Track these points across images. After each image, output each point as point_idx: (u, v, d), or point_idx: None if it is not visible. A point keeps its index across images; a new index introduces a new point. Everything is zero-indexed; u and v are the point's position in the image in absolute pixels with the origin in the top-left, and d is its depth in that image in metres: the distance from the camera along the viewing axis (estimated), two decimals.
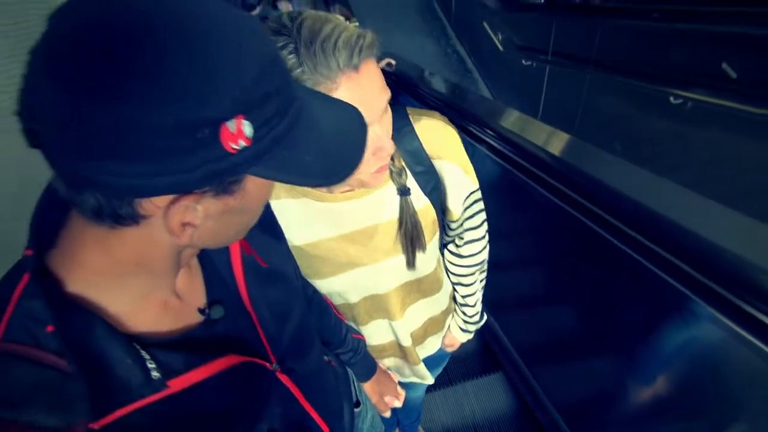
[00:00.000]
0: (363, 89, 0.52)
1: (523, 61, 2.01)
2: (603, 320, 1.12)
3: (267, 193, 0.37)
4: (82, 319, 0.34)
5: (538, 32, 1.66)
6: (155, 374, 0.36)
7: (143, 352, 0.36)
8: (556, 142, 1.10)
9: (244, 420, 0.44)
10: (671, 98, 0.82)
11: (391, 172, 0.68)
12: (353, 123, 0.39)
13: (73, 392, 0.32)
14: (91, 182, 0.28)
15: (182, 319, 0.42)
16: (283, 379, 0.50)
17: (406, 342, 0.85)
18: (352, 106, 0.41)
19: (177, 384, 0.37)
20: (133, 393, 0.35)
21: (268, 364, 0.47)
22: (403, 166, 0.70)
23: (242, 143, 0.29)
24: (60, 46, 0.26)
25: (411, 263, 0.74)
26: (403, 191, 0.69)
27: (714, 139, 0.82)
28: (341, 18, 0.54)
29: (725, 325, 0.71)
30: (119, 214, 0.30)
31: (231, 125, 0.28)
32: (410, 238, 0.71)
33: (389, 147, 0.58)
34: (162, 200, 0.30)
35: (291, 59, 0.49)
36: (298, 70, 0.49)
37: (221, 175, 0.30)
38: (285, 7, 2.76)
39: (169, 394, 0.37)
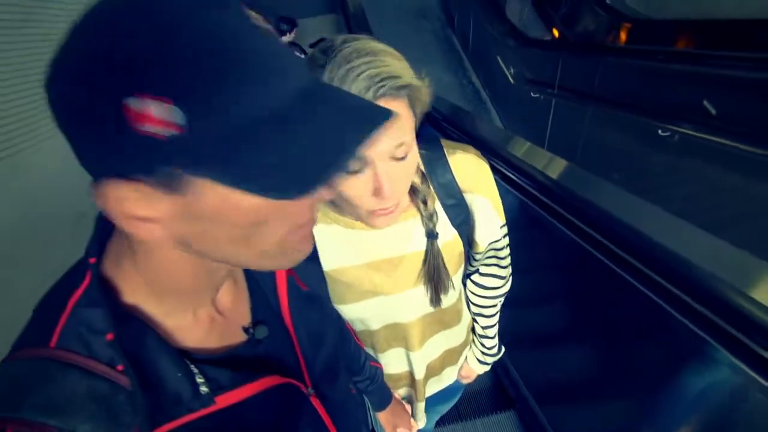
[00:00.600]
0: None
1: (532, 94, 2.05)
2: (620, 363, 1.09)
3: (251, 207, 0.29)
4: (137, 330, 0.35)
5: (545, 67, 1.72)
6: (204, 389, 0.36)
7: (192, 367, 0.36)
8: (561, 170, 1.13)
9: None
10: (659, 131, 0.88)
11: (422, 215, 0.69)
12: (348, 133, 0.30)
13: (121, 405, 0.32)
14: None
15: (227, 337, 0.42)
16: (316, 403, 0.49)
17: (420, 375, 0.84)
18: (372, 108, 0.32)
19: (223, 400, 0.37)
20: (182, 407, 0.35)
21: (304, 388, 0.47)
22: (434, 211, 0.70)
23: (171, 130, 0.25)
24: None
25: (434, 301, 0.75)
26: (431, 235, 0.70)
27: (694, 167, 0.86)
28: (392, 54, 0.53)
29: (744, 372, 0.69)
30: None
31: (135, 103, 0.25)
32: (433, 281, 0.72)
33: (390, 194, 0.55)
34: (113, 189, 0.29)
35: (319, 76, 0.51)
36: None
37: (134, 161, 0.27)
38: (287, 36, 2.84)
39: (214, 410, 0.36)
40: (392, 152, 0.54)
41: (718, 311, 0.74)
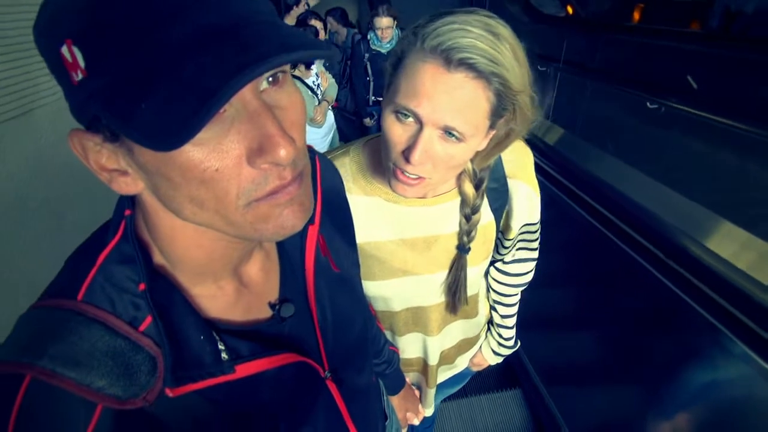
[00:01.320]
0: (437, 85, 0.49)
1: (539, 67, 2.00)
2: (626, 345, 1.10)
3: (181, 161, 0.27)
4: (166, 287, 0.34)
5: (552, 42, 1.71)
6: (224, 356, 0.36)
7: (214, 333, 0.36)
8: (570, 146, 1.14)
9: (289, 421, 0.44)
10: (648, 103, 0.99)
11: (460, 228, 0.69)
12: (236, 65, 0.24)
13: (138, 365, 0.32)
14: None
15: (252, 311, 0.41)
16: (332, 388, 0.48)
17: (433, 361, 0.84)
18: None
19: (242, 370, 0.37)
20: (203, 371, 0.35)
21: (321, 370, 0.46)
22: (475, 228, 0.68)
23: (80, 74, 0.26)
24: None
25: (452, 310, 0.75)
26: (462, 249, 0.69)
27: (677, 138, 0.96)
28: (517, 56, 0.51)
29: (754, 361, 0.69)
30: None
31: (65, 51, 0.25)
32: (451, 290, 0.72)
33: (416, 161, 0.53)
34: (79, 140, 0.29)
35: (434, 19, 0.50)
36: (421, 29, 0.51)
37: (78, 111, 0.28)
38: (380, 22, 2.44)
39: (233, 379, 0.36)
40: (445, 128, 0.52)
41: (727, 297, 0.74)
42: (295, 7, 3.02)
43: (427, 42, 0.49)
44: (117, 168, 0.30)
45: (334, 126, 2.75)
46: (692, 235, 0.84)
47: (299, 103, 0.32)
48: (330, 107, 2.58)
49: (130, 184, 0.31)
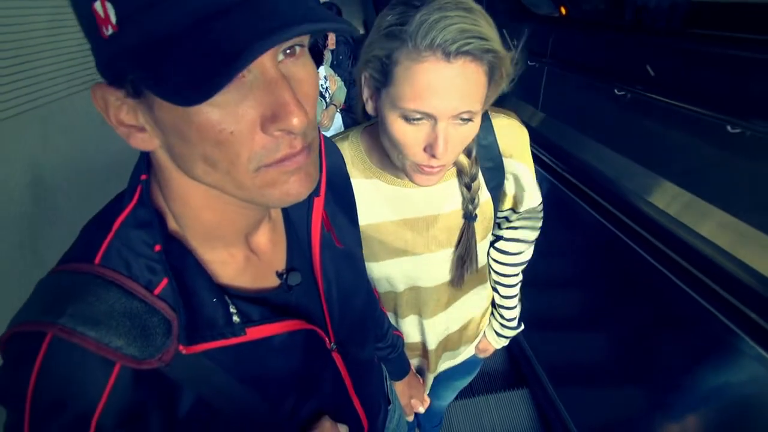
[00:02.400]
0: (442, 80, 0.50)
1: (529, 62, 2.13)
2: (635, 345, 1.09)
3: (201, 120, 0.28)
4: (180, 250, 0.36)
5: (539, 39, 1.85)
6: (236, 319, 0.37)
7: (226, 297, 0.37)
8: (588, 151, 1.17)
9: (298, 390, 0.44)
10: (615, 90, 1.15)
11: (463, 197, 0.70)
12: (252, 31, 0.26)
13: (154, 326, 0.32)
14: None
15: (260, 279, 0.42)
16: (337, 360, 0.49)
17: (432, 345, 0.84)
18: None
19: (253, 333, 0.38)
20: (215, 331, 0.36)
21: (327, 341, 0.47)
22: (477, 195, 0.70)
23: (111, 29, 0.26)
24: None
25: (457, 282, 0.76)
26: (469, 217, 0.70)
27: (638, 119, 1.12)
28: (486, 18, 0.52)
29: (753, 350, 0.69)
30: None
31: (98, 6, 0.26)
32: (462, 260, 0.73)
33: (442, 153, 0.54)
34: (101, 94, 0.30)
35: (409, 16, 0.50)
36: (403, 27, 0.50)
37: (105, 66, 0.29)
38: None
39: (243, 341, 0.37)
40: (458, 114, 0.53)
41: (744, 300, 0.73)
42: None
43: (419, 41, 0.49)
44: (135, 124, 0.31)
45: (342, 128, 2.79)
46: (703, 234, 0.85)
47: (313, 77, 0.33)
48: (338, 110, 2.61)
49: (147, 141, 0.32)
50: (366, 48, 0.57)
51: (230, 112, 0.28)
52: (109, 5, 0.26)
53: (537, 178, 0.77)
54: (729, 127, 0.78)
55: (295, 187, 0.33)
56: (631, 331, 1.11)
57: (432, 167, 0.57)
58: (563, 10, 1.61)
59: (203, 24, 0.25)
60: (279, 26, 0.25)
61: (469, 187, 0.69)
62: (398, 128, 0.55)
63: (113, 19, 0.26)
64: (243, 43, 0.24)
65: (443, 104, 0.52)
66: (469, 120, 0.55)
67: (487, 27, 0.51)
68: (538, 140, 1.48)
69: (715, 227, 0.83)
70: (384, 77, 0.55)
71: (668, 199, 0.95)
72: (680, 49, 0.99)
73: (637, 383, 1.12)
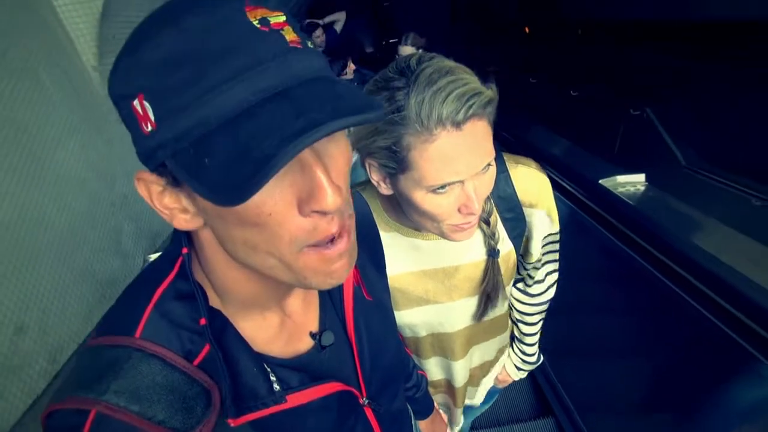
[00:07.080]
0: (460, 147, 0.52)
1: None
2: (667, 375, 1.08)
3: (236, 210, 0.29)
4: (221, 322, 0.36)
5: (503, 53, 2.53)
6: (276, 387, 0.37)
7: (265, 365, 0.38)
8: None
9: None
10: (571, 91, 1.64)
11: (484, 233, 0.70)
12: (282, 126, 0.26)
13: (195, 398, 0.33)
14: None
15: (295, 341, 0.43)
16: (369, 414, 0.49)
17: (459, 383, 0.85)
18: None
19: (293, 400, 0.38)
20: (258, 401, 0.36)
21: (360, 397, 0.48)
22: (496, 230, 0.71)
23: (150, 126, 0.28)
24: None
25: (479, 316, 0.76)
26: (493, 253, 0.71)
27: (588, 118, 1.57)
28: (466, 71, 0.53)
29: None
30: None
31: (137, 104, 0.28)
32: (487, 296, 0.74)
33: (477, 208, 0.56)
34: (144, 179, 0.32)
35: (400, 100, 0.51)
36: (402, 114, 0.51)
37: (147, 157, 0.30)
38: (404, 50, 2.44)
39: (284, 409, 0.38)
40: (482, 170, 0.55)
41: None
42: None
43: (425, 122, 0.51)
44: (178, 207, 0.32)
45: (358, 161, 2.84)
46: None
47: (346, 152, 0.33)
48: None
49: (190, 221, 0.33)
50: (364, 140, 0.57)
51: (268, 196, 0.29)
52: (147, 104, 0.27)
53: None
54: None
55: (338, 274, 0.34)
56: (662, 359, 1.09)
57: (469, 222, 0.59)
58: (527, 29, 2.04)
59: (234, 124, 0.27)
60: (310, 126, 0.25)
61: (487, 222, 0.70)
62: (429, 202, 0.56)
63: (152, 116, 0.27)
64: (275, 147, 0.25)
65: (466, 168, 0.53)
66: (489, 165, 0.57)
67: (473, 80, 0.52)
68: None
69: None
70: (397, 164, 0.55)
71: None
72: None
73: (668, 413, 1.09)
